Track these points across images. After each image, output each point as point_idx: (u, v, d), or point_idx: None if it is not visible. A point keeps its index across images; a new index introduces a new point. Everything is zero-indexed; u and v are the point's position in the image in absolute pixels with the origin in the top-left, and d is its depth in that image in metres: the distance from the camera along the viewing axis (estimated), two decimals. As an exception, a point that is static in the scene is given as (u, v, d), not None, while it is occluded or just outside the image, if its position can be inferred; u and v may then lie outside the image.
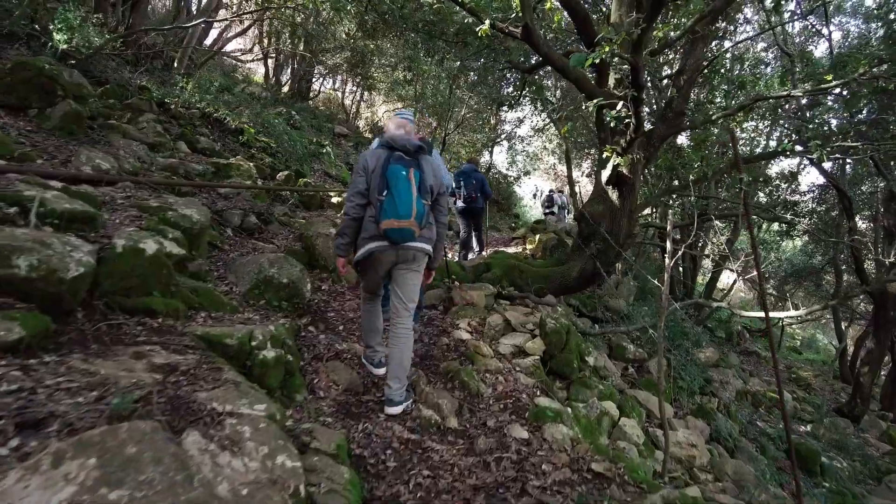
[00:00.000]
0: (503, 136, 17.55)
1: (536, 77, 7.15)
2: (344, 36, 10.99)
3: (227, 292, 3.44)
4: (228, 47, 17.12)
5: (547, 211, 11.17)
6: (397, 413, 2.68)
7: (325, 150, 10.55)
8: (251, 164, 6.75)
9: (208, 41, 15.13)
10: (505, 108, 7.66)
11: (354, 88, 17.03)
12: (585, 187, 17.99)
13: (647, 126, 4.33)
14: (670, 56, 6.28)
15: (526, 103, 14.44)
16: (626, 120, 3.50)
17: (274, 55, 13.43)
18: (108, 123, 5.45)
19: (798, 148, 4.54)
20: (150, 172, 4.72)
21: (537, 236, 7.74)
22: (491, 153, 17.60)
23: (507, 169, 17.78)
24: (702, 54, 4.76)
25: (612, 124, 3.59)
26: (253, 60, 16.32)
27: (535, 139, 17.02)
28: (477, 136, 16.76)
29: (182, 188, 4.76)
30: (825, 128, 5.94)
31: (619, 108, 3.53)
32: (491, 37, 5.92)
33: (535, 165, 19.49)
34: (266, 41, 12.33)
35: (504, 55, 5.51)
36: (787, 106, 7.73)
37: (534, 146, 17.57)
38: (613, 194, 4.28)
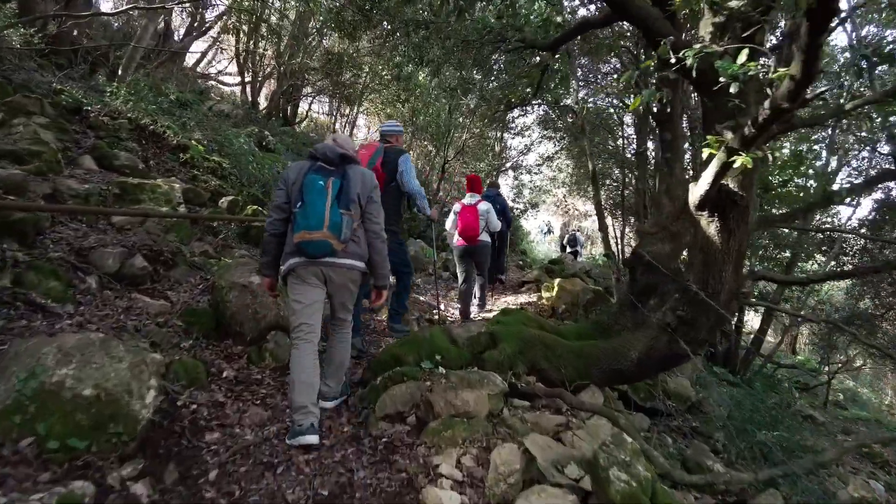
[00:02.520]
0: (508, 165, 16.00)
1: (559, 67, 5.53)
2: (314, 31, 9.49)
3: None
4: (213, 70, 15.99)
5: (570, 251, 10.02)
6: (331, 407, 2.61)
7: (300, 175, 8.97)
8: (177, 185, 5.05)
9: (191, 60, 14.00)
10: (515, 111, 6.10)
11: (346, 113, 15.68)
12: (596, 223, 16.28)
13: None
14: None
15: (533, 128, 13.00)
16: (773, 76, 1.77)
17: (250, 70, 12.02)
18: (-54, 122, 3.82)
19: None
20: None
21: (556, 282, 5.89)
22: (495, 183, 16.03)
23: (513, 201, 16.15)
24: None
25: (731, 90, 1.86)
26: (238, 84, 15.17)
27: (543, 168, 15.46)
28: (480, 165, 15.23)
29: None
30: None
31: (742, 59, 1.84)
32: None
33: (543, 198, 17.86)
34: (231, 37, 10.81)
35: (515, 29, 3.80)
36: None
37: (541, 175, 16.01)
38: (710, 225, 2.47)
